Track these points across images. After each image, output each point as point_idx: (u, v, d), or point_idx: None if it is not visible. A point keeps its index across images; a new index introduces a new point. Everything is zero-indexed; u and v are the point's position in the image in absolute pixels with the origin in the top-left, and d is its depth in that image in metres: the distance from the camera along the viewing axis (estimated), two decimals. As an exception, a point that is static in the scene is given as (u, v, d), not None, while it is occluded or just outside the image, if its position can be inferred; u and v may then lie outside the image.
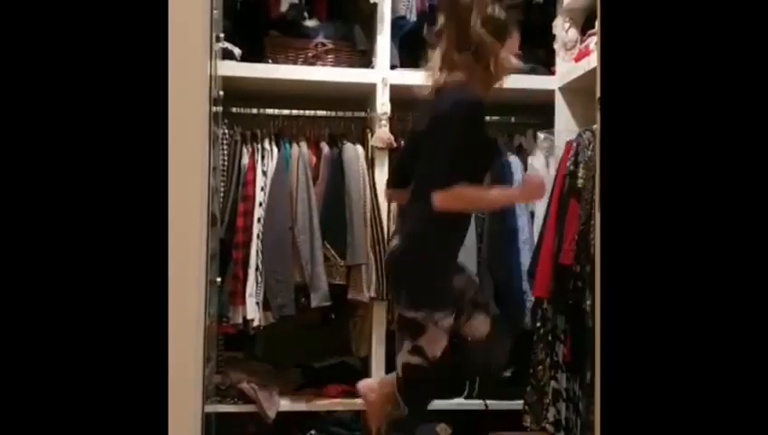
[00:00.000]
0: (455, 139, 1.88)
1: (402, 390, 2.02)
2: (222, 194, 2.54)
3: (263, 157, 2.62)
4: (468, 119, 1.90)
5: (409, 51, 2.78)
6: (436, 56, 2.03)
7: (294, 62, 2.70)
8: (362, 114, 2.81)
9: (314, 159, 2.65)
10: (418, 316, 1.93)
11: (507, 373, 2.70)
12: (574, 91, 2.63)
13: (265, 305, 2.53)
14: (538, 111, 2.81)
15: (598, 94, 1.71)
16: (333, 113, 2.79)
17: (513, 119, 2.88)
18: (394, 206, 2.66)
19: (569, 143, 2.48)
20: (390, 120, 2.66)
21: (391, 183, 2.28)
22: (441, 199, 1.86)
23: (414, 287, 1.96)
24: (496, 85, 2.05)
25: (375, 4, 2.65)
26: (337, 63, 2.71)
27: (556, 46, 2.72)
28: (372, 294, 2.56)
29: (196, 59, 1.46)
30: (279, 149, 2.63)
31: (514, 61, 2.03)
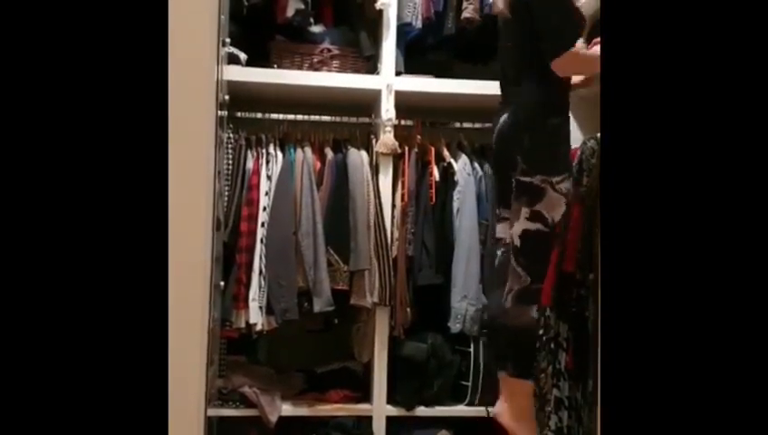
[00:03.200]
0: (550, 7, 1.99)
1: (523, 259, 2.04)
2: (226, 198, 2.55)
3: (267, 161, 2.62)
4: None
5: (415, 57, 2.79)
6: None
7: (300, 68, 2.71)
8: (367, 120, 2.82)
9: (319, 165, 2.65)
10: (536, 180, 2.00)
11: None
12: (579, 98, 2.63)
13: (268, 310, 2.53)
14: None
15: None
16: (338, 119, 2.80)
17: (517, 126, 2.88)
18: (398, 212, 2.67)
19: (573, 151, 2.48)
20: (395, 126, 2.66)
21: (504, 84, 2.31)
22: (561, 64, 1.98)
23: (530, 152, 2.02)
24: None
25: (381, 11, 2.66)
26: (342, 69, 2.72)
27: (561, 54, 2.72)
28: (375, 299, 2.56)
29: (204, 63, 1.46)
30: (283, 154, 2.63)
31: None
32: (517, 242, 2.04)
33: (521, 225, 2.02)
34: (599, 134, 2.23)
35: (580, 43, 2.10)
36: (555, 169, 2.03)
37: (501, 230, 2.22)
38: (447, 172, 2.72)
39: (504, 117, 2.12)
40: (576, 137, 2.62)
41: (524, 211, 2.01)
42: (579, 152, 2.42)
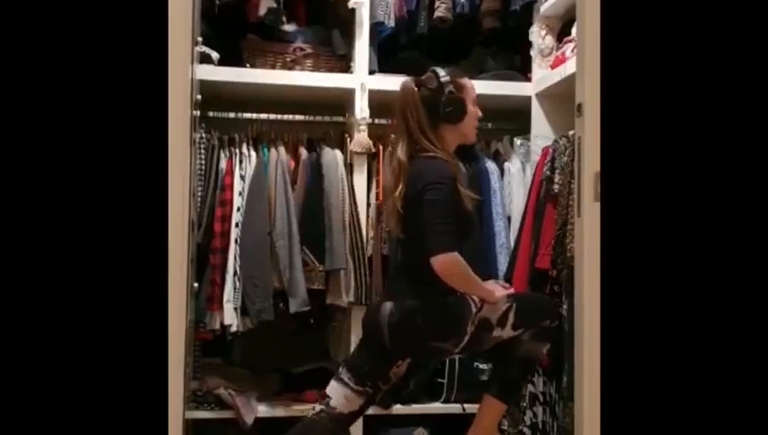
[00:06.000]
0: (443, 204, 1.87)
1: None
2: (199, 199, 2.52)
3: (240, 161, 2.60)
4: (446, 188, 1.89)
5: (388, 56, 2.80)
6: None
7: (273, 67, 2.69)
8: (341, 119, 2.81)
9: (293, 164, 2.64)
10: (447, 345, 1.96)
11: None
12: (550, 97, 2.66)
13: (243, 311, 2.51)
14: (514, 117, 2.84)
15: (577, 101, 1.74)
16: (312, 118, 2.79)
17: (489, 124, 2.89)
18: (373, 211, 2.67)
19: (545, 149, 2.52)
20: (369, 125, 2.66)
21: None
22: (441, 264, 1.85)
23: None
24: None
25: (354, 10, 2.66)
26: (315, 68, 2.71)
27: (533, 53, 2.75)
28: (351, 298, 2.56)
29: (178, 63, 1.45)
30: (257, 154, 2.62)
31: (472, 130, 2.08)
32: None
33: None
34: (570, 132, 2.26)
35: None
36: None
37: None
38: (421, 171, 2.73)
39: (389, 305, 1.97)
40: (547, 134, 2.66)
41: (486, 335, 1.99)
42: (551, 150, 2.46)
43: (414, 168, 1.95)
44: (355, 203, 2.60)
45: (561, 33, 2.66)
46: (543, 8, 2.68)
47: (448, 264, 1.85)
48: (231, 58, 2.66)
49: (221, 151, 2.61)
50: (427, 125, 1.95)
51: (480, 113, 2.10)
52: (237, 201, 2.56)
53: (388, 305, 1.97)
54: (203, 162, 2.57)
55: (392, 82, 2.69)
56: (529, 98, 2.72)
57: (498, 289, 2.02)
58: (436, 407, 2.68)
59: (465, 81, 2.06)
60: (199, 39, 2.37)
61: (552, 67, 2.59)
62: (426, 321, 1.92)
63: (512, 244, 2.65)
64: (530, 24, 2.75)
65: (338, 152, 2.63)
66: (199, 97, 2.31)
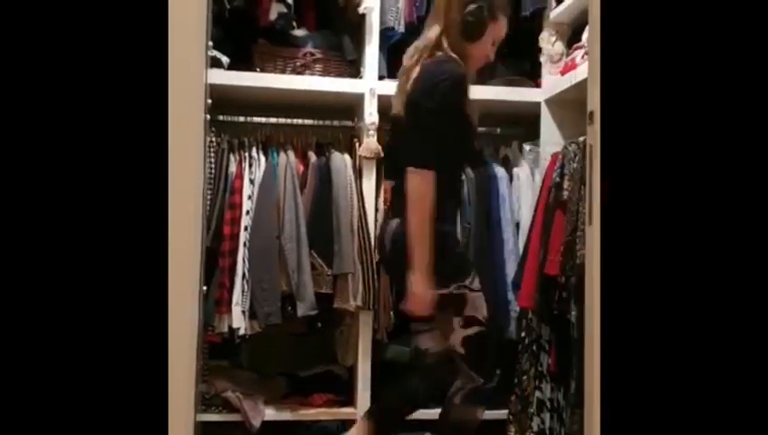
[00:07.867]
0: (432, 111, 1.91)
1: (472, 363, 1.99)
2: (208, 202, 2.53)
3: (250, 165, 2.61)
4: (447, 90, 1.92)
5: (398, 61, 2.80)
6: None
7: (282, 71, 2.70)
8: (350, 124, 2.82)
9: (302, 168, 2.65)
10: (453, 289, 1.94)
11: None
12: (560, 103, 2.66)
13: (251, 314, 2.51)
14: (524, 123, 2.84)
15: (589, 108, 1.74)
16: (321, 122, 2.80)
17: (498, 130, 2.91)
18: (381, 215, 2.67)
19: (554, 155, 2.51)
20: (378, 130, 2.67)
21: (386, 174, 2.27)
22: (412, 180, 1.88)
23: (436, 264, 1.92)
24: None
25: (363, 15, 2.66)
26: (325, 73, 2.72)
27: (542, 59, 2.75)
28: (359, 303, 2.56)
29: (192, 67, 1.45)
30: (266, 158, 2.62)
31: (487, 54, 2.11)
32: (462, 350, 1.98)
33: (459, 333, 1.97)
34: (581, 138, 2.26)
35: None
36: (463, 272, 1.98)
37: (423, 342, 2.08)
38: (430, 176, 2.73)
39: (395, 222, 2.01)
40: (557, 141, 2.66)
41: (456, 320, 1.96)
42: (560, 156, 2.46)
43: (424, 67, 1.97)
44: (363, 207, 2.61)
45: (572, 40, 2.66)
46: (553, 14, 2.68)
47: (418, 182, 1.86)
48: (241, 62, 2.67)
49: (231, 155, 2.62)
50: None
51: (492, 56, 2.12)
52: (246, 205, 2.57)
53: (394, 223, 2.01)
54: (213, 166, 2.59)
55: (402, 88, 2.71)
56: (538, 104, 2.73)
57: (429, 299, 1.91)
58: (443, 412, 2.67)
59: (497, 20, 2.06)
60: (210, 43, 2.38)
61: (562, 73, 2.59)
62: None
63: (520, 250, 2.64)
64: (540, 29, 2.76)
65: (347, 157, 2.64)
66: (209, 101, 2.32)
